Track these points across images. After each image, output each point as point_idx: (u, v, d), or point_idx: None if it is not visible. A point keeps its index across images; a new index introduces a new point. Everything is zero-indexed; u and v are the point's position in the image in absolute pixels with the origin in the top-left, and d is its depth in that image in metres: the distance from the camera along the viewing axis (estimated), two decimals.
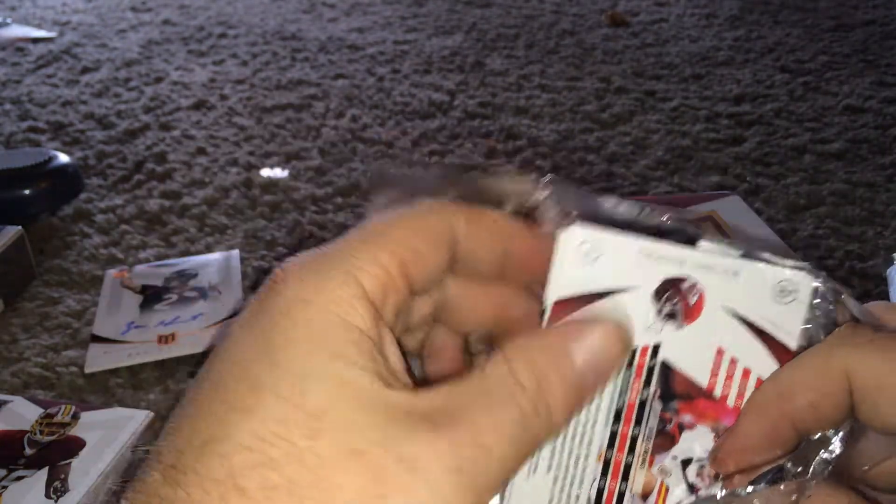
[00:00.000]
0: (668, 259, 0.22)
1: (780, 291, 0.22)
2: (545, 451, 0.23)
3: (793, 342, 0.22)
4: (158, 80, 1.05)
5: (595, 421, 0.23)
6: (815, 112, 0.94)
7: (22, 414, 0.48)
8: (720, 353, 0.22)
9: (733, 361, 0.22)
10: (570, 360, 0.21)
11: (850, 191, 0.76)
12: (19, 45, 1.18)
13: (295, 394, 0.19)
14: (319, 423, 0.19)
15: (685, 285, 0.22)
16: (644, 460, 0.23)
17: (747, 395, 0.22)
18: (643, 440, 0.23)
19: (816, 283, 0.22)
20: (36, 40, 1.21)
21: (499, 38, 1.21)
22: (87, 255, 0.67)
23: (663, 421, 0.23)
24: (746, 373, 0.22)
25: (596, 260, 0.23)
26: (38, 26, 1.28)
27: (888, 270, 0.47)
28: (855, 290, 0.61)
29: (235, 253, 0.66)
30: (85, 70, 1.09)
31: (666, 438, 0.23)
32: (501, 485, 0.20)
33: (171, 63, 1.11)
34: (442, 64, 1.10)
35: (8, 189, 0.70)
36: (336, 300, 0.20)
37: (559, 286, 0.23)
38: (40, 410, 0.48)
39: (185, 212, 0.74)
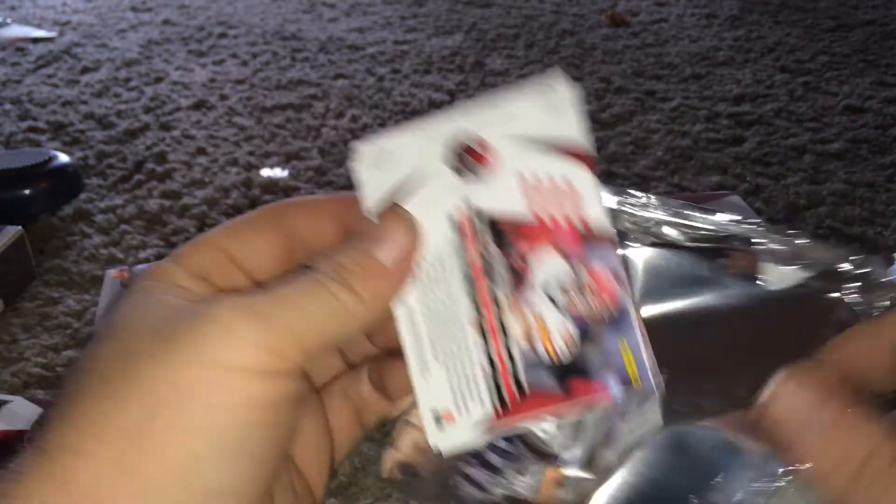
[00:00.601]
0: (442, 128, 0.24)
1: (549, 107, 0.23)
2: (426, 347, 0.24)
3: (582, 139, 0.23)
4: (158, 80, 1.05)
5: (452, 297, 0.24)
6: (815, 112, 0.94)
7: (22, 414, 0.48)
8: (523, 178, 0.24)
9: (539, 180, 0.24)
10: (363, 248, 0.23)
11: (850, 191, 0.76)
12: (19, 45, 1.18)
13: (119, 330, 0.22)
14: (119, 328, 0.22)
15: (465, 139, 0.24)
16: (510, 306, 0.24)
17: (568, 200, 0.23)
18: (501, 289, 0.24)
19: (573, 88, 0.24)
20: (36, 40, 1.21)
21: (499, 38, 1.21)
22: (87, 255, 0.67)
23: (508, 263, 0.24)
24: (553, 182, 0.23)
25: (387, 165, 0.24)
26: (38, 26, 1.28)
27: (889, 270, 0.47)
28: None
29: None
30: (85, 70, 1.09)
31: (518, 276, 0.24)
32: (309, 336, 0.22)
33: (171, 63, 1.12)
34: (442, 64, 1.10)
35: (8, 189, 0.70)
36: (159, 274, 0.24)
37: (368, 205, 0.24)
38: (40, 410, 0.48)
39: (185, 212, 0.74)
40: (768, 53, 1.14)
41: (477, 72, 1.08)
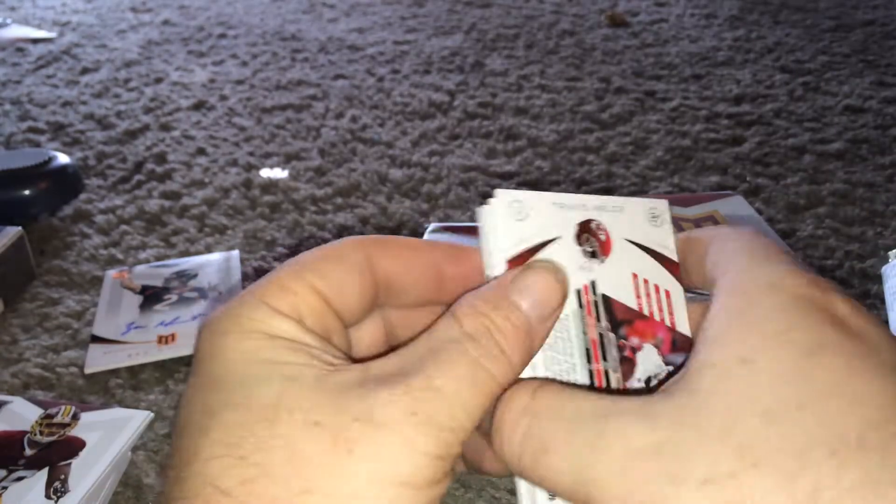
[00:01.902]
0: (575, 206, 0.25)
1: (652, 217, 0.26)
2: None
3: (674, 255, 0.26)
4: (158, 80, 1.05)
5: (574, 368, 0.24)
6: (815, 112, 0.94)
7: (22, 414, 0.48)
8: (635, 276, 0.25)
9: (646, 281, 0.25)
10: (512, 303, 0.22)
11: (850, 191, 0.76)
12: (19, 46, 1.18)
13: (244, 399, 0.20)
14: (275, 413, 0.20)
15: (594, 225, 0.25)
16: (619, 389, 0.24)
17: (665, 307, 0.25)
18: (613, 372, 0.24)
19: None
20: (36, 41, 1.21)
21: (499, 38, 1.21)
22: (86, 256, 0.67)
23: (620, 349, 0.24)
24: (657, 288, 0.26)
25: (525, 218, 0.25)
26: (38, 27, 1.28)
27: (883, 268, 0.47)
28: (855, 291, 0.61)
29: (235, 253, 0.66)
30: (85, 70, 1.09)
31: (628, 364, 0.24)
32: (465, 426, 0.21)
33: (171, 63, 1.12)
34: (442, 64, 1.10)
35: (8, 190, 0.70)
36: (251, 324, 0.22)
37: (498, 249, 0.24)
38: (40, 411, 0.48)
39: (184, 212, 0.74)
40: (768, 53, 1.14)
41: (477, 72, 1.08)
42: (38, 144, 0.88)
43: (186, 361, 0.54)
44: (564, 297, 0.23)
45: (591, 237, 0.25)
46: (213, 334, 0.22)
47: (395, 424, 0.20)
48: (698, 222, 0.61)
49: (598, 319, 0.24)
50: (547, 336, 0.23)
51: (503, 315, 0.22)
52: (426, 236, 0.63)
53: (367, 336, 0.26)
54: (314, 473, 0.19)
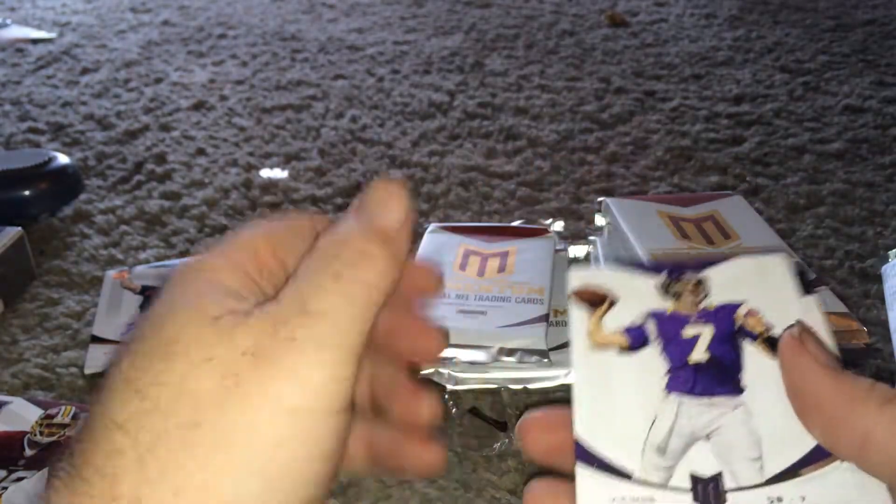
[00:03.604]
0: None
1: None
2: None
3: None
4: (158, 80, 1.05)
5: None
6: (815, 112, 0.94)
7: (22, 415, 0.48)
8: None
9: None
10: (358, 219, 0.25)
11: (850, 191, 0.76)
12: (19, 46, 1.18)
13: (155, 330, 0.22)
14: (174, 347, 0.21)
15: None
16: None
17: None
18: None
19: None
20: (36, 41, 1.21)
21: (499, 38, 1.21)
22: (86, 256, 0.67)
23: None
24: None
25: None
26: (38, 27, 1.28)
27: (883, 268, 0.47)
28: (855, 290, 0.61)
29: None
30: (85, 71, 1.09)
31: None
32: (350, 340, 0.22)
33: (171, 64, 1.12)
34: (442, 64, 1.10)
35: (8, 190, 0.70)
36: (207, 267, 0.23)
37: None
38: (40, 411, 0.48)
39: (184, 212, 0.74)
40: (768, 53, 1.14)
41: (477, 72, 1.08)
42: (38, 145, 0.88)
43: None
44: (406, 196, 0.25)
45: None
46: (173, 274, 0.24)
47: (277, 353, 0.21)
48: (698, 222, 0.61)
49: None
50: (409, 238, 0.25)
51: (355, 227, 0.24)
52: (426, 236, 0.63)
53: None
54: (203, 407, 0.20)
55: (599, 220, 0.65)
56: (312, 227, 0.26)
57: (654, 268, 0.26)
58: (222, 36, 1.23)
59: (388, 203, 0.25)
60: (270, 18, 1.32)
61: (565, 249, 0.64)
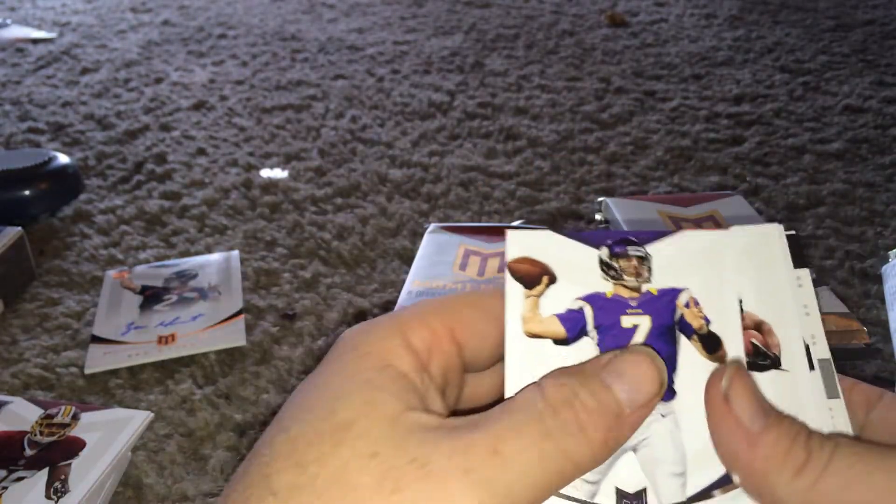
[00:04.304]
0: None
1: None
2: None
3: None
4: (158, 80, 1.05)
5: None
6: (815, 112, 0.94)
7: (22, 415, 0.48)
8: None
9: None
10: (602, 380, 0.21)
11: (850, 191, 0.76)
12: (19, 46, 1.18)
13: (327, 411, 0.21)
14: (345, 433, 0.20)
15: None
16: None
17: None
18: None
19: None
20: (36, 41, 1.21)
21: (499, 38, 1.21)
22: (86, 256, 0.67)
23: None
24: None
25: None
26: (38, 27, 1.28)
27: (883, 268, 0.47)
28: (855, 290, 0.61)
29: (235, 253, 0.66)
30: (85, 71, 1.09)
31: None
32: (522, 499, 0.20)
33: (171, 64, 1.12)
34: (442, 64, 1.10)
35: (8, 190, 0.70)
36: (380, 346, 0.22)
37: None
38: (40, 411, 0.48)
39: (184, 212, 0.74)
40: (768, 53, 1.14)
41: (477, 72, 1.07)
42: (38, 144, 0.88)
43: (186, 362, 0.54)
44: (662, 386, 0.22)
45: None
46: (343, 341, 0.23)
47: (446, 477, 0.19)
48: (698, 222, 0.61)
49: None
50: (638, 426, 0.22)
51: (589, 390, 0.21)
52: (426, 236, 0.63)
53: (486, 383, 0.26)
54: (355, 499, 0.19)
55: (599, 219, 0.65)
56: (500, 307, 0.24)
57: (598, 238, 0.25)
58: (222, 36, 1.23)
59: (640, 380, 0.22)
60: (270, 18, 1.32)
61: None
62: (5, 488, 0.42)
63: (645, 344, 0.23)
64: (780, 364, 0.23)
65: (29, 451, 0.45)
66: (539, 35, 1.23)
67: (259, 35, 1.23)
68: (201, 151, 0.85)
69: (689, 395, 0.23)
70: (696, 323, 0.23)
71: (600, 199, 0.66)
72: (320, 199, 0.75)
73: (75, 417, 0.47)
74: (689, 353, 0.23)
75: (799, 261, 0.24)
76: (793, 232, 0.25)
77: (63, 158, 0.74)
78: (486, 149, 0.86)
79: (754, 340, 0.24)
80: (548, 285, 0.24)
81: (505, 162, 0.83)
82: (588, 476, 0.22)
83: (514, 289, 0.24)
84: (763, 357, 0.23)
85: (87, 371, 0.53)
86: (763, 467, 0.21)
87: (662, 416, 0.23)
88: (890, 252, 0.49)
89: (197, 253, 0.67)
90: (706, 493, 0.22)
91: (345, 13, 1.35)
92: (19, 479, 0.43)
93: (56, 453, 0.44)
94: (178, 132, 0.90)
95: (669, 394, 0.23)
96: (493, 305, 0.24)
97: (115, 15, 1.34)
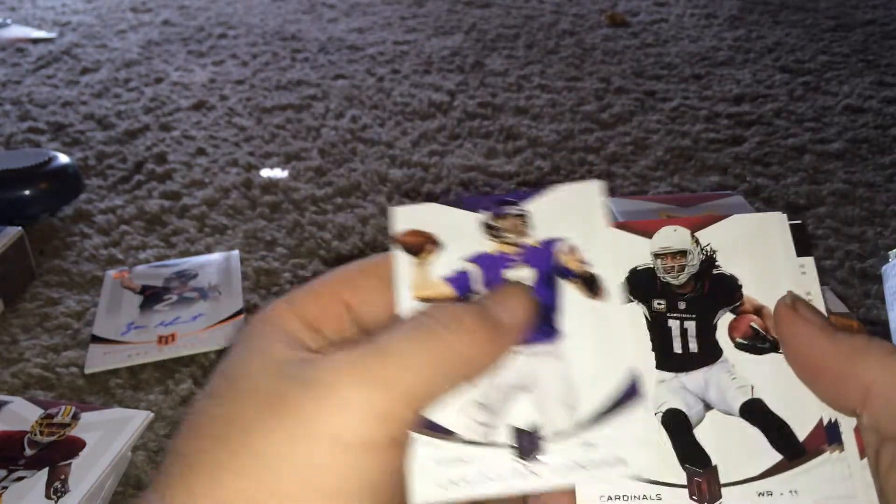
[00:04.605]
0: None
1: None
2: None
3: None
4: (158, 80, 1.05)
5: None
6: (815, 112, 0.94)
7: (22, 414, 0.48)
8: None
9: None
10: (479, 305, 0.23)
11: (850, 191, 0.76)
12: (19, 46, 1.18)
13: (223, 377, 0.23)
14: (234, 384, 0.22)
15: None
16: None
17: None
18: None
19: None
20: (36, 41, 1.21)
21: (499, 38, 1.21)
22: (87, 256, 0.67)
23: None
24: None
25: None
26: (38, 27, 1.28)
27: (883, 267, 0.47)
28: (855, 290, 0.61)
29: (235, 253, 0.66)
30: (85, 71, 1.09)
31: None
32: (415, 388, 0.21)
33: (171, 64, 1.12)
34: (442, 64, 1.10)
35: (8, 190, 0.70)
36: (271, 316, 0.24)
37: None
38: (40, 411, 0.48)
39: (185, 212, 0.74)
40: (768, 53, 1.14)
41: (477, 72, 1.07)
42: (38, 144, 0.88)
43: (186, 361, 0.54)
44: (534, 308, 0.24)
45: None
46: (247, 322, 0.25)
47: (329, 383, 0.20)
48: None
49: None
50: (518, 340, 0.24)
51: (468, 309, 0.23)
52: None
53: None
54: (248, 434, 0.20)
55: None
56: (388, 266, 0.26)
57: (479, 203, 0.26)
58: (222, 36, 1.23)
59: (513, 303, 0.24)
60: (270, 18, 1.32)
61: None
62: (5, 488, 0.42)
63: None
64: (778, 348, 0.24)
65: (29, 451, 0.45)
66: (539, 35, 1.23)
67: (259, 35, 1.23)
68: (201, 151, 0.85)
69: (575, 333, 0.24)
70: (575, 266, 0.25)
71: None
72: (320, 198, 0.75)
73: (75, 417, 0.47)
74: (571, 295, 0.25)
75: (804, 249, 0.25)
76: (798, 221, 0.25)
77: (63, 158, 0.74)
78: (486, 149, 0.86)
79: (754, 324, 0.24)
80: (433, 252, 0.25)
81: (505, 162, 0.83)
82: (483, 418, 0.23)
83: (401, 258, 0.25)
84: (762, 340, 0.24)
85: (87, 371, 0.53)
86: (850, 355, 0.21)
87: (551, 355, 0.24)
88: (890, 252, 0.49)
89: (197, 253, 0.67)
90: (594, 419, 0.23)
91: (345, 13, 1.35)
92: (19, 478, 0.43)
93: (56, 453, 0.44)
94: (179, 132, 0.90)
95: (556, 334, 0.24)
96: (385, 270, 0.25)
97: (116, 15, 1.34)
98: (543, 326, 0.24)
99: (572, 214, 0.26)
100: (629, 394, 0.23)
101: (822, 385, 0.23)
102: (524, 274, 0.25)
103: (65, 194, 0.73)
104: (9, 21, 1.30)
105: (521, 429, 0.23)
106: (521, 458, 0.23)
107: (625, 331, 0.24)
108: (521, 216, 0.26)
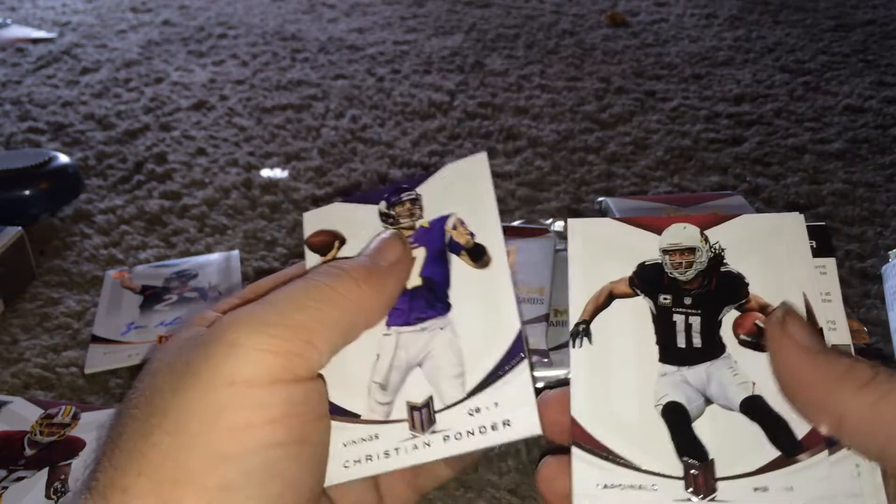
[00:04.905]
0: None
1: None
2: None
3: None
4: (158, 80, 1.05)
5: None
6: (815, 112, 0.94)
7: (22, 414, 0.48)
8: None
9: None
10: (355, 258, 0.26)
11: (850, 191, 0.76)
12: (19, 46, 1.18)
13: (146, 374, 0.24)
14: (155, 379, 0.24)
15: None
16: None
17: None
18: None
19: None
20: (36, 41, 1.21)
21: (499, 38, 1.21)
22: (87, 256, 0.67)
23: None
24: None
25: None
26: (38, 27, 1.28)
27: (883, 267, 0.47)
28: (855, 290, 0.61)
29: (235, 253, 0.66)
30: (85, 71, 1.09)
31: None
32: (302, 321, 0.23)
33: (171, 64, 1.12)
34: (442, 64, 1.10)
35: (8, 190, 0.70)
36: (192, 320, 0.26)
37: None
38: (40, 411, 0.48)
39: (185, 212, 0.74)
40: (768, 53, 1.14)
41: (477, 72, 1.07)
42: (38, 144, 0.88)
43: None
44: (404, 247, 0.26)
45: None
46: (171, 341, 0.26)
47: (221, 334, 0.22)
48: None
49: None
50: (398, 283, 0.26)
51: (348, 262, 0.25)
52: None
53: None
54: (162, 399, 0.22)
55: None
56: (300, 271, 0.28)
57: (377, 195, 0.28)
58: (222, 36, 1.23)
59: (384, 247, 0.26)
60: (270, 18, 1.32)
61: (565, 249, 0.64)
62: (5, 488, 0.42)
63: (422, 271, 0.26)
64: None
65: (29, 451, 0.45)
66: (539, 35, 1.23)
67: (259, 35, 1.23)
68: (201, 151, 0.85)
69: (464, 305, 0.26)
70: (462, 239, 0.26)
71: (600, 198, 0.66)
72: (321, 198, 0.75)
73: (75, 417, 0.47)
74: (459, 268, 0.26)
75: (826, 250, 0.26)
76: (822, 223, 0.26)
77: (63, 158, 0.74)
78: (486, 149, 0.85)
79: (758, 322, 0.25)
80: (339, 248, 0.27)
81: (505, 162, 0.83)
82: (384, 398, 0.25)
83: (311, 259, 0.28)
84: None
85: (88, 371, 0.53)
86: (827, 381, 0.22)
87: (441, 329, 0.25)
88: (890, 252, 0.49)
89: (197, 253, 0.67)
90: (482, 386, 0.24)
91: (345, 13, 1.35)
92: (19, 478, 0.43)
93: (56, 453, 0.44)
94: (179, 132, 0.90)
95: (446, 307, 0.26)
96: (298, 275, 0.27)
97: (116, 15, 1.34)
98: (435, 302, 0.25)
99: (461, 189, 0.27)
100: (512, 356, 0.24)
101: (799, 406, 0.23)
102: (416, 254, 0.26)
103: (65, 194, 0.73)
104: (9, 21, 1.30)
105: (414, 403, 0.24)
106: (416, 431, 0.24)
107: (509, 294, 0.25)
108: (414, 200, 0.27)
